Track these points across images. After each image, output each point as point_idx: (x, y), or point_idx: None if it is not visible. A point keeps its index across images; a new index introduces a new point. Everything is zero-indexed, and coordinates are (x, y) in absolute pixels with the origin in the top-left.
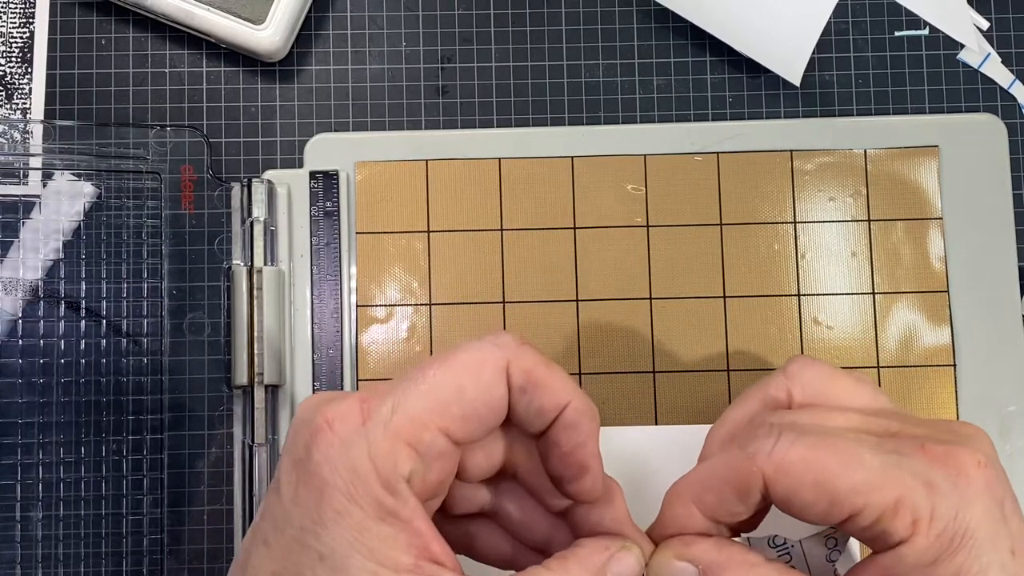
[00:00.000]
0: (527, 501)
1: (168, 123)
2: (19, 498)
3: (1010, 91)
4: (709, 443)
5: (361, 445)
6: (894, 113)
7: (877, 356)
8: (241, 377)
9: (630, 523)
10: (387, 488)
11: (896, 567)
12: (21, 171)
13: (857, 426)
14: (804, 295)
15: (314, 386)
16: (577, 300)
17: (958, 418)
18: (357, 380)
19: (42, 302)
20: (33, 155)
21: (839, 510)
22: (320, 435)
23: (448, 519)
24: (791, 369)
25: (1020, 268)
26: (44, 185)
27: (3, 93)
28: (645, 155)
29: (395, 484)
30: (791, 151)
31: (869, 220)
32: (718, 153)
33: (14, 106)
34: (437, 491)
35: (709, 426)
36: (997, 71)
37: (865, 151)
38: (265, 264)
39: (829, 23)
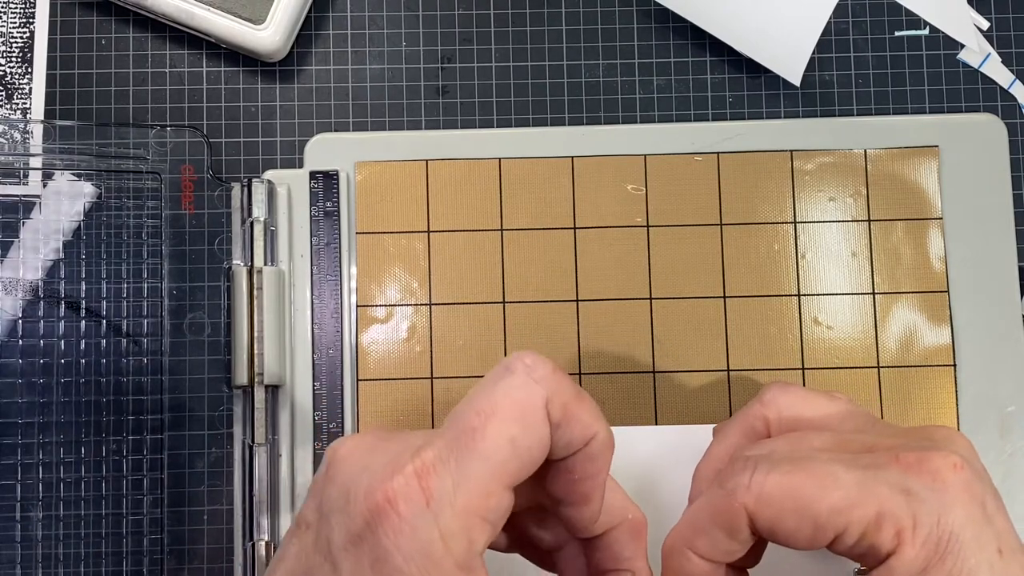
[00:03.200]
0: (550, 524)
1: (168, 123)
2: (19, 498)
3: (1010, 91)
4: (696, 481)
5: (431, 530)
6: (894, 113)
7: (877, 356)
8: (241, 377)
9: (645, 555)
10: (463, 568)
11: None
12: (21, 171)
13: (832, 445)
14: (804, 295)
15: (314, 386)
16: (577, 300)
17: (958, 418)
18: (357, 380)
19: (42, 302)
20: (33, 155)
21: (823, 533)
22: (386, 519)
23: None
24: (766, 397)
25: (1020, 268)
26: (44, 185)
27: (3, 93)
28: (645, 155)
29: (471, 561)
30: (791, 151)
31: (869, 220)
32: (718, 153)
33: (14, 106)
34: (501, 536)
35: (709, 426)
36: (997, 71)
37: (865, 151)
38: (265, 264)
39: (829, 23)
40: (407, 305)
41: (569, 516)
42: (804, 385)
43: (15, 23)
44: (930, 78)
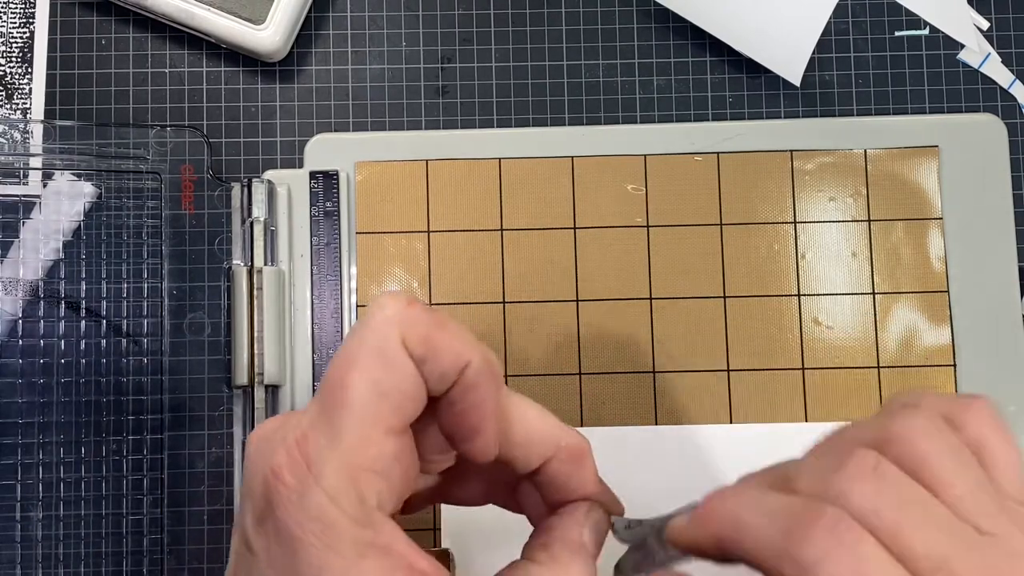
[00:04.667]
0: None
1: (168, 123)
2: (19, 498)
3: (1010, 91)
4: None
5: (317, 493)
6: (894, 113)
7: (877, 356)
8: (241, 377)
9: (595, 481)
10: (360, 523)
11: None
12: (21, 171)
13: (923, 561)
14: (804, 295)
15: (314, 386)
16: (577, 300)
17: None
18: None
19: (42, 302)
20: (33, 155)
21: None
22: (276, 493)
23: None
24: (896, 431)
25: (1020, 268)
26: (44, 185)
27: (3, 93)
28: (645, 155)
29: (367, 515)
30: (791, 151)
31: (869, 220)
32: (718, 153)
33: (14, 106)
34: (406, 487)
35: (709, 426)
36: (997, 71)
37: (865, 151)
38: (265, 264)
39: (829, 23)
40: None
41: (466, 452)
42: (804, 385)
43: (15, 23)
44: (930, 78)
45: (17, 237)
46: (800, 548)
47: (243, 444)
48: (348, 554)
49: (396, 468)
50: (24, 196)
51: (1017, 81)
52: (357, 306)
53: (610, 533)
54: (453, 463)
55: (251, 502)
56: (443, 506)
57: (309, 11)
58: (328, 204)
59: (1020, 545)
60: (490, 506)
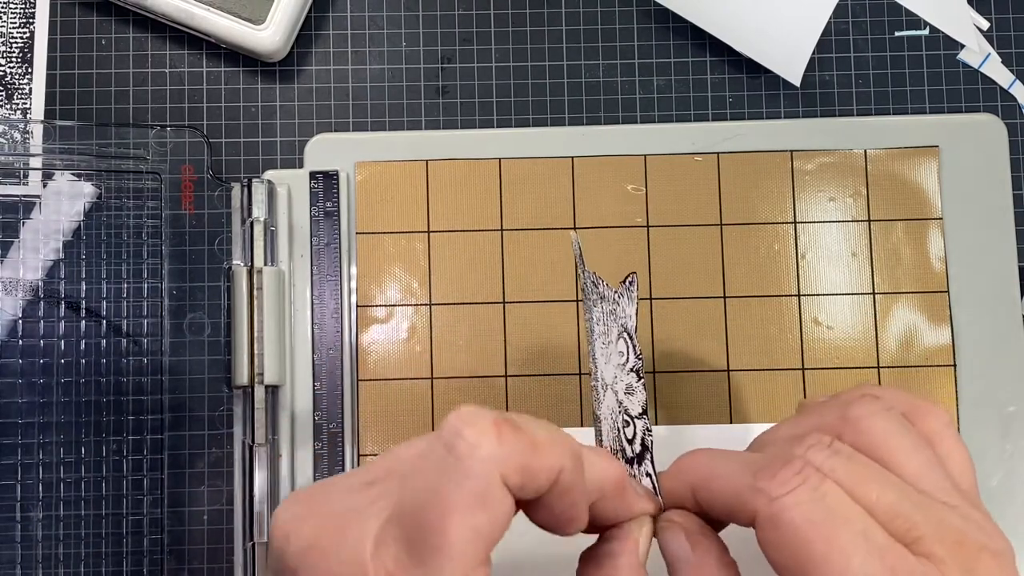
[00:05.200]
0: None
1: (168, 123)
2: (19, 498)
3: (1010, 91)
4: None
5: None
6: (894, 113)
7: (877, 356)
8: (241, 377)
9: (640, 500)
10: None
11: None
12: (21, 171)
13: (882, 512)
14: (804, 295)
15: (314, 386)
16: (577, 300)
17: (958, 418)
18: (357, 380)
19: (42, 302)
20: (33, 155)
21: None
22: None
23: None
24: (854, 414)
25: (1020, 268)
26: (44, 185)
27: (3, 93)
28: (645, 155)
29: None
30: (791, 151)
31: (869, 220)
32: (718, 153)
33: (14, 106)
34: None
35: (709, 426)
36: (997, 71)
37: (865, 151)
38: (265, 264)
39: (829, 23)
40: (407, 305)
41: (561, 533)
42: (804, 386)
43: (15, 23)
44: (930, 78)
45: (17, 237)
46: (768, 482)
47: (243, 444)
48: None
49: None
50: (24, 196)
51: (1017, 81)
52: (357, 306)
53: None
54: None
55: None
56: None
57: (309, 11)
58: (328, 204)
59: (979, 518)
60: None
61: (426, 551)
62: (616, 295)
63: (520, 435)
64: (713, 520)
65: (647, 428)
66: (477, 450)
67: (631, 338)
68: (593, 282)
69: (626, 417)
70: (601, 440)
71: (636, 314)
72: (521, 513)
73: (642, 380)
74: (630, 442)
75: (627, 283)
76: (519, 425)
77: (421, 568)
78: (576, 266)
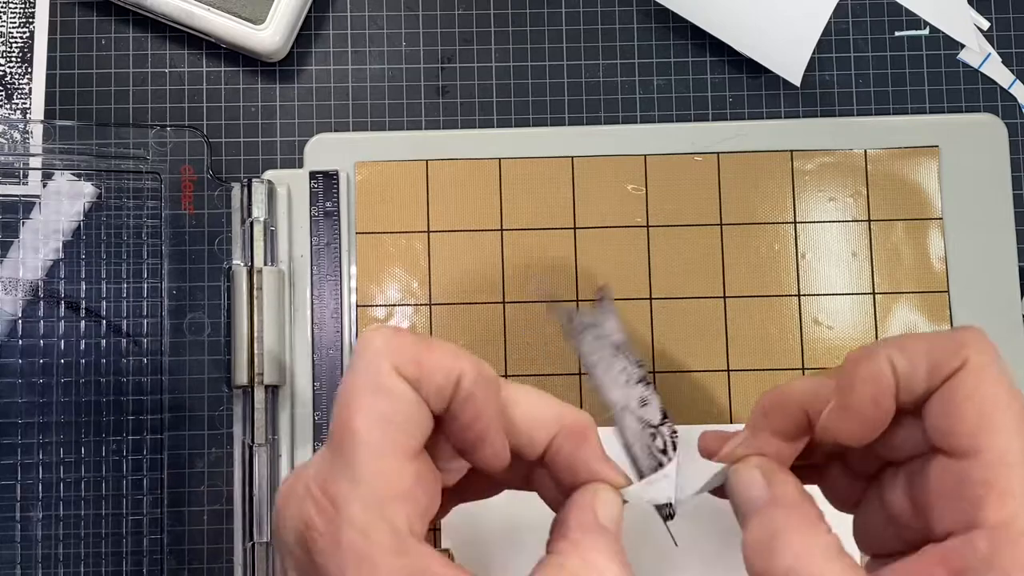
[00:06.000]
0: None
1: (168, 123)
2: (19, 498)
3: (1010, 91)
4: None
5: (349, 531)
6: (894, 113)
7: None
8: (241, 377)
9: (600, 457)
10: (394, 552)
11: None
12: (21, 171)
13: None
14: (804, 295)
15: (314, 386)
16: (577, 300)
17: None
18: None
19: (42, 302)
20: (33, 155)
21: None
22: (313, 544)
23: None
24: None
25: (1020, 268)
26: (44, 185)
27: (3, 93)
28: (645, 155)
29: (399, 543)
30: (791, 151)
31: (869, 220)
32: (718, 153)
33: (14, 106)
34: (432, 505)
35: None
36: (997, 71)
37: (865, 151)
38: (265, 264)
39: (829, 23)
40: (407, 305)
41: (478, 462)
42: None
43: (15, 23)
44: (930, 78)
45: (17, 237)
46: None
47: (243, 444)
48: None
49: (419, 490)
50: (24, 196)
51: (1017, 81)
52: (357, 306)
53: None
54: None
55: (291, 559)
56: None
57: (309, 11)
58: (328, 204)
59: None
60: (489, 507)
61: (345, 449)
62: (593, 317)
63: (416, 336)
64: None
65: (673, 431)
66: (372, 343)
67: (624, 350)
68: (569, 318)
69: (651, 430)
70: (641, 472)
71: (620, 325)
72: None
73: (651, 385)
74: (663, 452)
75: (599, 300)
76: (421, 334)
77: (340, 459)
78: (562, 327)
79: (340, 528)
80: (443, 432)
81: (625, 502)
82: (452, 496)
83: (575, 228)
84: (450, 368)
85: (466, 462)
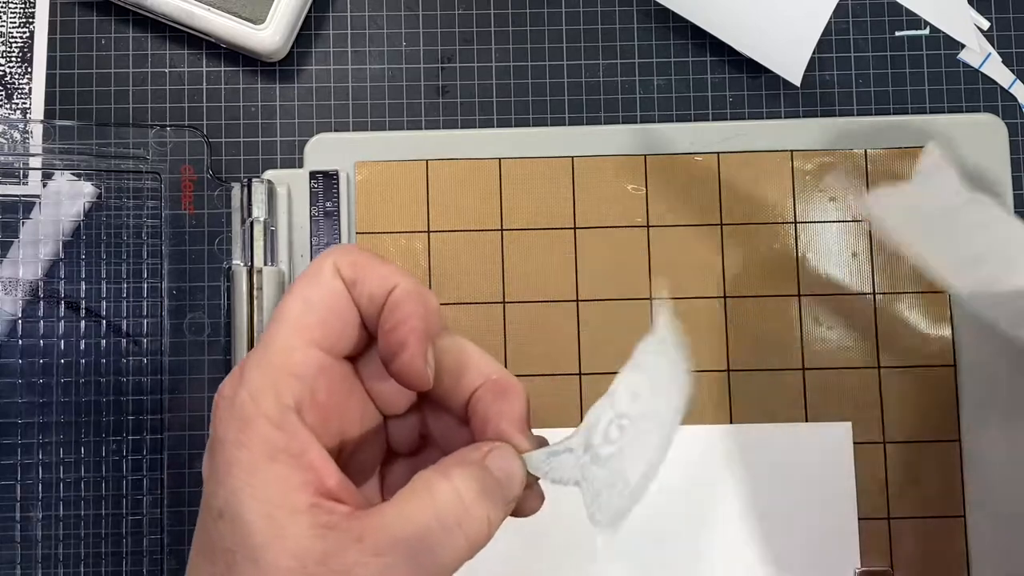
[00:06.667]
0: (448, 420)
1: (168, 123)
2: (19, 498)
3: (1010, 91)
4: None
5: (241, 394)
6: (894, 113)
7: (877, 356)
8: None
9: (518, 420)
10: (273, 423)
11: None
12: (21, 171)
13: None
14: (804, 295)
15: None
16: (577, 300)
17: (958, 418)
18: None
19: (42, 302)
20: (33, 155)
21: None
22: (215, 408)
23: (401, 459)
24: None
25: None
26: (44, 185)
27: (3, 93)
28: (645, 155)
29: (282, 416)
30: (791, 151)
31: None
32: (718, 153)
33: (14, 106)
34: (344, 418)
35: (709, 426)
36: (997, 71)
37: (865, 151)
38: (265, 264)
39: (829, 23)
40: None
41: (396, 372)
42: (804, 385)
43: (15, 23)
44: (930, 78)
45: (17, 237)
46: None
47: None
48: (257, 451)
49: (321, 383)
50: (24, 196)
51: (1017, 81)
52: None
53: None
54: (409, 404)
55: (207, 444)
56: None
57: (309, 11)
58: (328, 204)
59: None
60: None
61: (269, 326)
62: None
63: (367, 251)
64: None
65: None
66: (326, 250)
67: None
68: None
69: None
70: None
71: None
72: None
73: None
74: (607, 437)
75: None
76: (376, 254)
77: (262, 341)
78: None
79: (237, 392)
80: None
81: (536, 479)
82: (376, 435)
83: (575, 228)
84: (386, 276)
85: (395, 397)
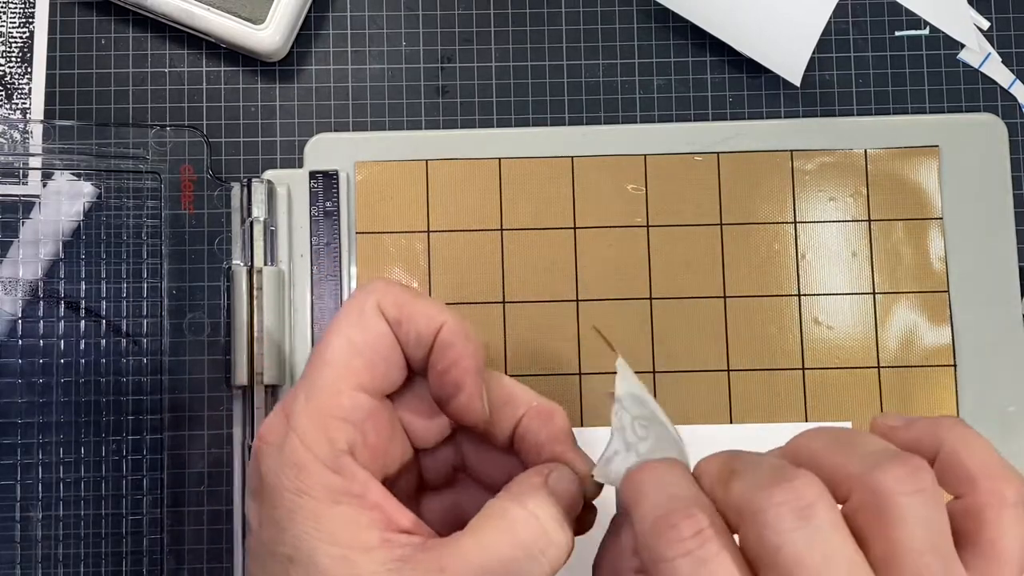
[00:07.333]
0: (487, 451)
1: (168, 123)
2: (19, 498)
3: (1010, 91)
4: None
5: (292, 440)
6: (894, 113)
7: (877, 356)
8: (241, 377)
9: (567, 440)
10: (331, 468)
11: None
12: (21, 171)
13: None
14: (804, 295)
15: None
16: (577, 300)
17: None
18: None
19: (42, 302)
20: (33, 155)
21: None
22: (260, 453)
23: (433, 492)
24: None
25: (1020, 268)
26: (44, 185)
27: (3, 93)
28: (645, 155)
29: (337, 460)
30: (791, 151)
31: (869, 220)
32: (718, 153)
33: (14, 106)
34: (388, 455)
35: (709, 426)
36: (997, 71)
37: (865, 151)
38: (265, 264)
39: (829, 23)
40: None
41: (454, 412)
42: (804, 385)
43: (15, 23)
44: (930, 78)
45: (17, 237)
46: (656, 541)
47: (243, 444)
48: (320, 497)
49: (370, 426)
50: (24, 196)
51: (1017, 81)
52: None
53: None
54: (443, 437)
55: (249, 484)
56: None
57: (309, 11)
58: (328, 204)
59: None
60: None
61: (312, 368)
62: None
63: (407, 286)
64: None
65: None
66: (364, 286)
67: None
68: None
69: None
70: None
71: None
72: None
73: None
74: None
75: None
76: (416, 290)
77: (306, 383)
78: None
79: (285, 437)
80: (416, 389)
81: (599, 488)
82: (435, 492)
83: (575, 228)
84: (432, 315)
85: (436, 427)
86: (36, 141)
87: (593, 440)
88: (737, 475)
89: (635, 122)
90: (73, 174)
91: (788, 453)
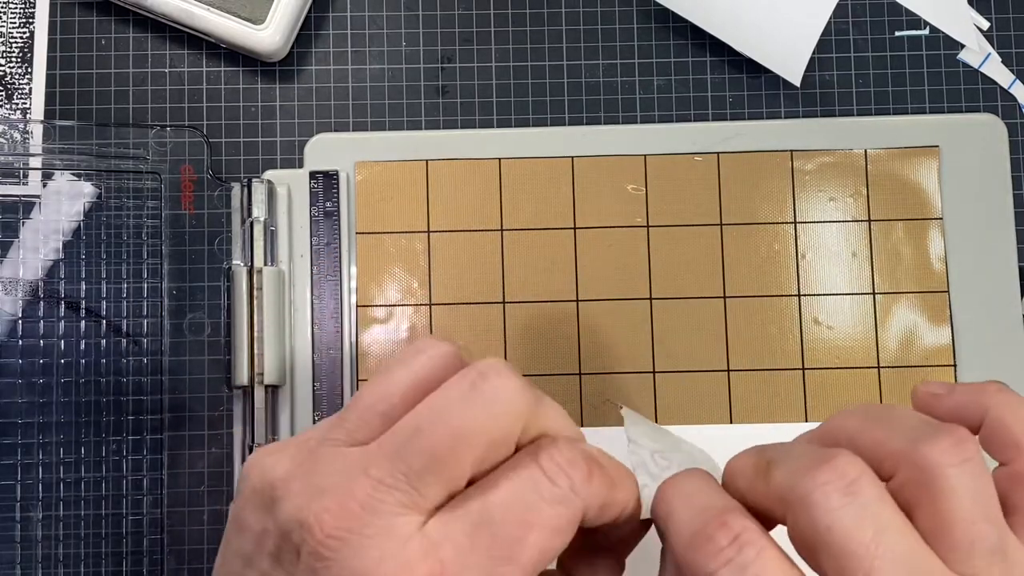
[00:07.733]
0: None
1: (168, 123)
2: (19, 498)
3: (1010, 91)
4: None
5: (389, 563)
6: (894, 113)
7: (877, 356)
8: (241, 377)
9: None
10: None
11: None
12: (21, 171)
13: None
14: (804, 295)
15: (314, 386)
16: (577, 300)
17: None
18: (357, 380)
19: (42, 302)
20: (33, 155)
21: None
22: (323, 558)
23: None
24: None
25: (1020, 268)
26: (44, 185)
27: (3, 93)
28: (645, 155)
29: None
30: (791, 151)
31: (869, 220)
32: (718, 153)
33: (14, 106)
34: None
35: (709, 426)
36: (997, 71)
37: (865, 151)
38: (265, 264)
39: (829, 23)
40: (407, 305)
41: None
42: (804, 385)
43: (15, 23)
44: (930, 78)
45: (17, 237)
46: (695, 556)
47: (243, 444)
48: None
49: None
50: (24, 196)
51: (1017, 81)
52: (357, 306)
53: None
54: None
55: (279, 560)
56: None
57: (309, 11)
58: (328, 204)
59: None
60: None
61: (499, 555)
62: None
63: (604, 475)
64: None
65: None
66: (574, 485)
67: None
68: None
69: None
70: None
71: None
72: None
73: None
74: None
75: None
76: (601, 464)
77: (488, 563)
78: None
79: (379, 547)
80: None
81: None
82: None
83: (575, 228)
84: (625, 504)
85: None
86: (36, 141)
87: (593, 440)
88: (776, 464)
89: (635, 122)
90: (73, 174)
91: (824, 435)
